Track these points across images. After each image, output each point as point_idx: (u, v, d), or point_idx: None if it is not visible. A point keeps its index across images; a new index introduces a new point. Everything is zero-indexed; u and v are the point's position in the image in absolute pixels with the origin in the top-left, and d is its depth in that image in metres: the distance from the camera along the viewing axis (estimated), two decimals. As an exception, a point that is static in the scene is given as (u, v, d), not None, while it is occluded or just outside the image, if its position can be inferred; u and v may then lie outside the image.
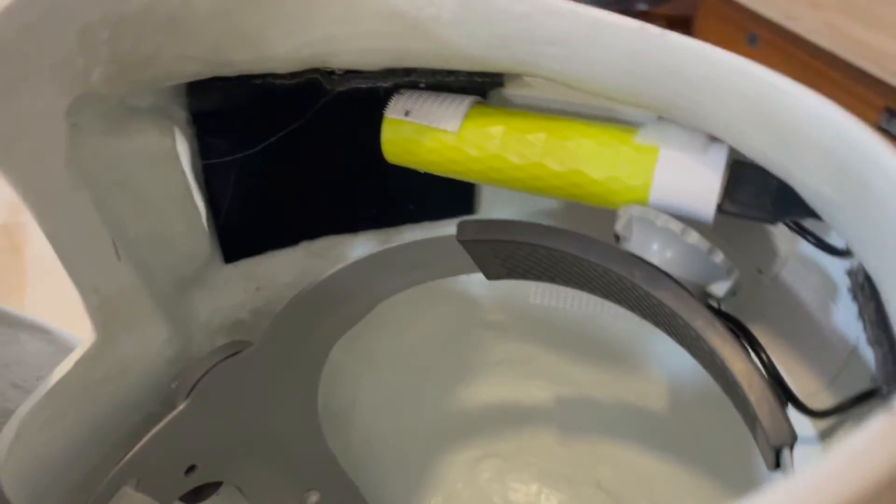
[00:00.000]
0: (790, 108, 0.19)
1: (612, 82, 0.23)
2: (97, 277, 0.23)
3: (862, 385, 0.25)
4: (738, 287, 0.24)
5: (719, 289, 0.24)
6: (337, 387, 0.36)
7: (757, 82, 0.19)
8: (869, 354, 0.25)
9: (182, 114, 0.26)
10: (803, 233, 0.26)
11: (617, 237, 0.26)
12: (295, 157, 0.29)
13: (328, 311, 0.30)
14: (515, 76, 0.28)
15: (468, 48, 0.24)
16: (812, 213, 0.24)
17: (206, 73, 0.23)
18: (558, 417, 0.38)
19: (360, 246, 0.33)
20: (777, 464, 0.22)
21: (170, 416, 0.27)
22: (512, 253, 0.27)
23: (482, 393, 0.39)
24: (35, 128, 0.18)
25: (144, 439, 0.27)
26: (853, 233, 0.18)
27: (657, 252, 0.24)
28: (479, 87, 0.27)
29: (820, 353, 0.27)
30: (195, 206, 0.27)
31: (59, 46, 0.18)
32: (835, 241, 0.25)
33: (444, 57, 0.25)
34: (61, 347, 0.26)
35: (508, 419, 0.39)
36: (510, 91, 0.28)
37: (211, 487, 0.31)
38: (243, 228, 0.30)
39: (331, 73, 0.25)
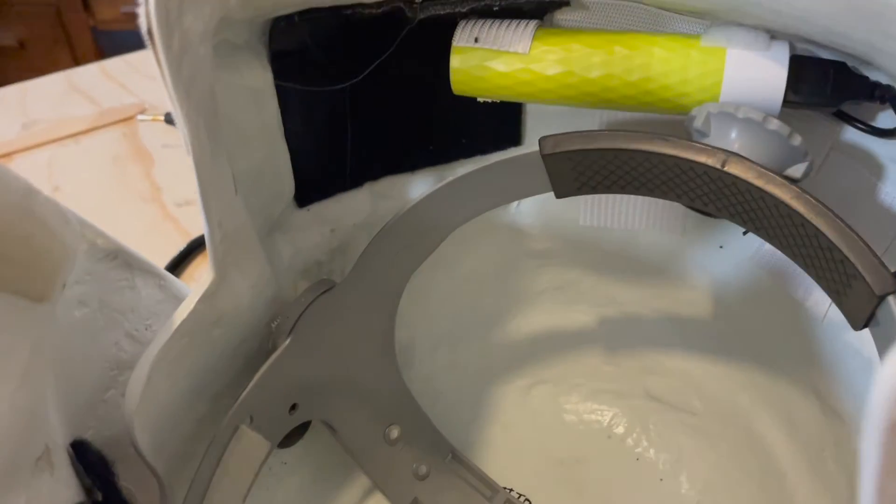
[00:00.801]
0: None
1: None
2: (222, 211, 0.23)
3: (916, 250, 0.28)
4: (810, 168, 0.27)
5: (797, 171, 0.26)
6: (397, 327, 0.36)
7: (843, -36, 0.21)
8: (922, 221, 0.28)
9: (264, 52, 0.26)
10: (851, 120, 0.28)
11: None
12: (358, 100, 0.30)
13: (406, 245, 0.31)
14: (576, -3, 0.29)
15: (547, -36, 0.25)
16: (869, 96, 0.27)
17: (311, 1, 0.23)
18: (603, 338, 0.40)
19: (419, 183, 0.34)
20: (869, 319, 0.24)
21: (276, 354, 0.28)
22: (591, 164, 0.28)
23: (528, 322, 0.40)
24: (196, 46, 0.18)
25: (256, 377, 0.27)
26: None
27: (737, 142, 0.26)
28: (546, 9, 0.28)
29: (870, 229, 0.30)
30: (284, 145, 0.27)
31: (213, -35, 0.18)
32: (883, 123, 0.28)
33: (523, -24, 0.26)
34: (169, 294, 0.26)
35: (555, 345, 0.41)
36: (564, 16, 0.30)
37: (297, 434, 0.32)
38: (315, 173, 0.30)
39: (411, 1, 0.26)
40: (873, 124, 0.28)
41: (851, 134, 0.29)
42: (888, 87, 0.26)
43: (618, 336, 0.40)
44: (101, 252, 0.22)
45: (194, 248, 0.52)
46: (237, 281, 0.26)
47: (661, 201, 0.35)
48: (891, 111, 0.27)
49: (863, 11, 0.21)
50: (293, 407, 0.30)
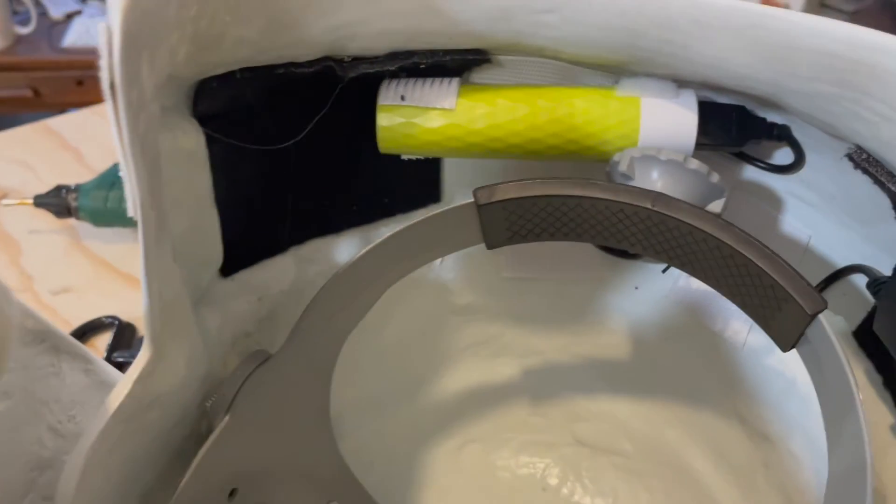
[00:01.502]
0: (786, 30, 0.23)
1: (603, 41, 0.27)
2: (162, 279, 0.21)
3: (820, 274, 0.31)
4: (727, 204, 0.29)
5: (717, 206, 0.28)
6: (326, 398, 0.35)
7: (750, 16, 0.23)
8: (822, 245, 0.31)
9: (188, 114, 0.25)
10: (751, 160, 0.31)
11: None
12: (286, 162, 0.29)
13: (340, 309, 0.30)
14: (495, 57, 0.30)
15: (472, 23, 0.26)
16: (769, 135, 0.29)
17: (251, 59, 0.23)
18: (528, 389, 0.41)
19: (344, 245, 0.33)
20: (798, 338, 0.26)
21: (214, 434, 0.26)
22: (524, 212, 0.29)
23: (454, 381, 0.40)
24: (149, 103, 0.17)
25: (195, 462, 0.25)
26: (853, 119, 0.23)
27: (660, 182, 0.28)
28: (468, 66, 0.29)
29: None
30: (214, 210, 0.26)
31: (166, 19, 0.17)
32: (779, 160, 0.30)
33: (449, 34, 0.27)
34: (96, 379, 0.24)
35: (482, 402, 0.40)
36: (482, 74, 0.31)
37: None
38: (241, 239, 0.29)
39: (340, 60, 0.26)
40: (771, 162, 0.31)
41: (750, 173, 0.32)
42: (784, 126, 0.29)
43: (543, 386, 0.40)
44: (29, 335, 0.20)
45: (78, 337, 0.48)
46: (173, 357, 0.24)
47: (577, 248, 0.36)
48: (785, 149, 0.30)
49: (773, 57, 0.24)
50: (232, 493, 0.27)
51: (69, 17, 1.33)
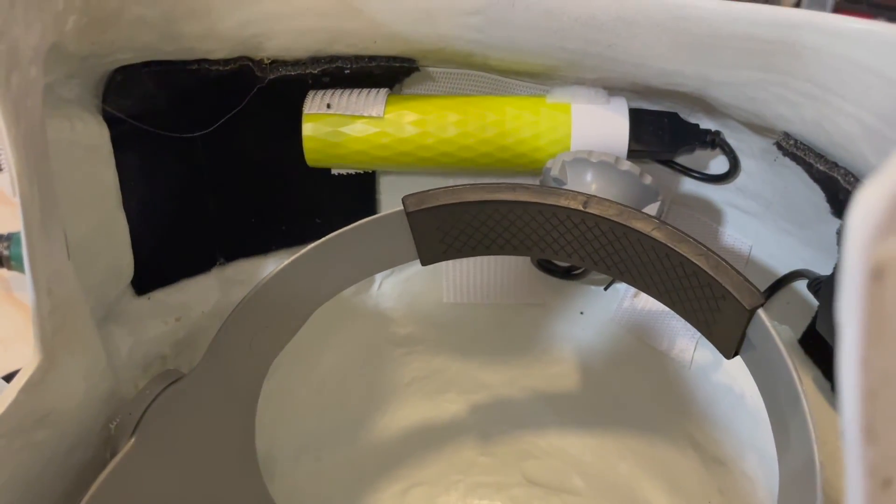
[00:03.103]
0: (707, 18, 0.23)
1: (530, 43, 0.26)
2: (52, 274, 0.20)
3: (763, 285, 0.30)
4: (663, 207, 0.28)
5: (651, 210, 0.27)
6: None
7: (670, 7, 0.23)
8: (764, 255, 0.30)
9: (97, 108, 0.24)
10: (688, 171, 0.30)
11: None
12: (205, 173, 0.28)
13: (264, 326, 0.28)
14: (424, 67, 0.29)
15: (395, 24, 0.26)
16: (702, 142, 0.29)
17: (155, 45, 0.22)
18: (475, 427, 0.39)
19: (272, 267, 0.31)
20: (741, 341, 0.25)
21: (116, 459, 0.23)
22: (456, 221, 0.28)
23: (397, 419, 0.38)
24: (25, 64, 0.16)
25: (91, 490, 0.23)
26: (779, 103, 0.22)
27: (594, 184, 0.27)
28: (395, 75, 0.29)
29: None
30: (122, 215, 0.24)
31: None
32: (715, 170, 0.30)
33: (372, 37, 0.26)
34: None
35: (427, 442, 0.38)
36: (412, 87, 0.30)
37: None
38: (155, 253, 0.27)
39: (259, 61, 0.25)
40: (708, 172, 0.30)
41: (688, 186, 0.31)
42: (717, 132, 0.28)
43: (490, 423, 0.38)
44: None
45: None
46: (68, 368, 0.22)
47: (519, 271, 0.35)
48: (720, 159, 0.30)
49: (697, 48, 0.23)
50: (138, 528, 0.25)
51: None
